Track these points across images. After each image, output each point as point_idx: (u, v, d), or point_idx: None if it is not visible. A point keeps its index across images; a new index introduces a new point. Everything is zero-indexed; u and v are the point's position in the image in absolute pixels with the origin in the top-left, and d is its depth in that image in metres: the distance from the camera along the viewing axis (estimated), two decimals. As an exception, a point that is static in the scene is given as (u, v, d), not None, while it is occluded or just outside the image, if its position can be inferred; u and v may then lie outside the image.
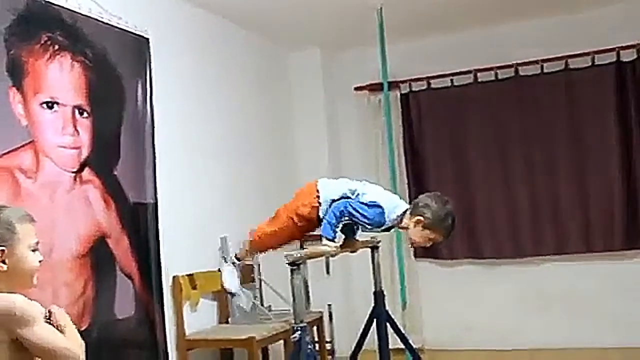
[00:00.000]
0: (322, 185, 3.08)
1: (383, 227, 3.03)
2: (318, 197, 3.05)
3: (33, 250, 1.83)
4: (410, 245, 3.04)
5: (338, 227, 3.00)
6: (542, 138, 5.35)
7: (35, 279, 1.85)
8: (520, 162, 5.42)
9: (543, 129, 5.34)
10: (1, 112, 3.01)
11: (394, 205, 3.00)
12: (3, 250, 1.76)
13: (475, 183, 5.53)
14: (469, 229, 5.55)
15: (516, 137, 5.41)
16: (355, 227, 3.25)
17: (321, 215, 3.04)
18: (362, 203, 2.96)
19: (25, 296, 1.83)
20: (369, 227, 3.06)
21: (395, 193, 3.12)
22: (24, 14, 3.15)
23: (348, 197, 3.00)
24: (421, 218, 2.91)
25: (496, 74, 5.43)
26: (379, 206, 2.95)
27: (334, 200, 3.01)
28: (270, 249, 3.24)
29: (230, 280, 3.32)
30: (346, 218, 2.99)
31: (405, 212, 2.97)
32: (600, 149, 5.21)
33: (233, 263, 3.32)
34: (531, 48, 5.31)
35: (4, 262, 1.76)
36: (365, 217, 2.95)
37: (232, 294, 3.45)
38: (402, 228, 3.04)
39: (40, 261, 1.86)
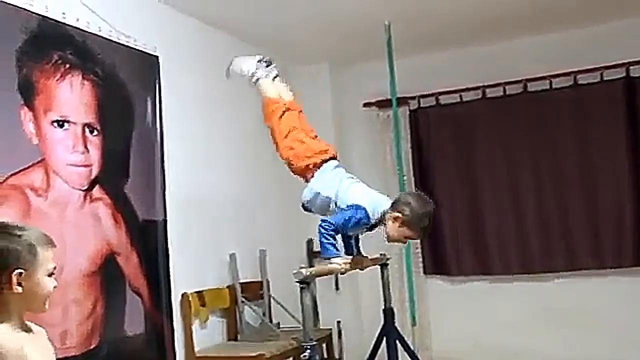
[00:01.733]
0: (319, 173, 3.14)
1: (370, 225, 3.06)
2: (314, 169, 3.14)
3: (49, 275, 1.83)
4: (386, 240, 3.07)
5: (337, 242, 3.02)
6: (551, 154, 5.33)
7: (47, 304, 1.84)
8: (529, 178, 5.40)
9: (552, 145, 5.32)
10: (12, 131, 3.04)
11: (377, 203, 3.03)
12: (21, 273, 1.75)
13: (484, 199, 5.51)
14: (478, 245, 5.52)
15: (525, 153, 5.39)
16: (351, 241, 3.27)
17: (302, 198, 3.16)
18: (343, 210, 3.00)
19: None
20: (359, 230, 3.10)
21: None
22: (36, 33, 3.18)
23: (328, 199, 3.06)
24: (400, 215, 2.95)
25: (505, 90, 5.43)
26: (360, 207, 2.98)
27: (319, 204, 3.11)
28: (265, 117, 3.37)
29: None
30: (338, 232, 3.01)
31: (388, 208, 3.01)
32: (609, 164, 5.18)
33: (252, 75, 3.42)
34: (540, 64, 5.31)
35: (20, 284, 1.75)
36: (350, 221, 2.98)
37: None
38: (384, 224, 3.06)
39: (54, 287, 1.85)
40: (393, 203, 3.00)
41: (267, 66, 3.41)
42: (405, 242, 3.14)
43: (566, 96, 5.26)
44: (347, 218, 2.97)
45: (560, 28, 5.21)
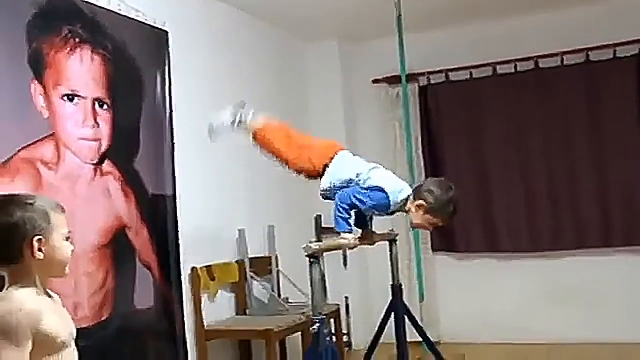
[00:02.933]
0: (337, 160, 3.12)
1: (389, 211, 3.06)
2: (327, 165, 3.10)
3: (66, 240, 1.86)
4: (411, 228, 3.08)
5: (351, 217, 3.02)
6: (562, 131, 5.31)
7: (67, 269, 1.88)
8: (539, 155, 5.38)
9: (563, 122, 5.30)
10: (23, 105, 3.05)
11: (399, 189, 3.02)
12: (41, 240, 1.78)
13: (493, 176, 5.51)
14: (487, 222, 5.53)
15: (535, 130, 5.37)
16: (366, 217, 3.27)
17: (321, 187, 3.12)
18: (364, 189, 2.99)
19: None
20: (376, 212, 3.09)
21: (411, 185, 3.13)
22: (46, 7, 3.18)
23: (351, 181, 3.03)
24: (423, 203, 2.94)
25: (516, 67, 5.39)
26: (382, 190, 2.97)
27: (339, 187, 3.05)
28: (263, 148, 3.31)
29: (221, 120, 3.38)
30: (354, 208, 3.01)
31: (409, 196, 3.00)
32: (621, 142, 5.15)
33: (233, 122, 3.35)
34: (551, 40, 5.27)
35: (40, 250, 1.78)
36: (369, 202, 2.97)
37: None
38: (407, 212, 3.05)
39: (72, 251, 1.89)
40: (415, 191, 2.99)
41: (242, 107, 3.36)
42: (430, 229, 3.13)
43: (578, 73, 5.23)
44: (368, 199, 2.95)
45: (572, 4, 5.16)
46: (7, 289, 1.79)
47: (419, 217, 2.98)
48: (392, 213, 3.10)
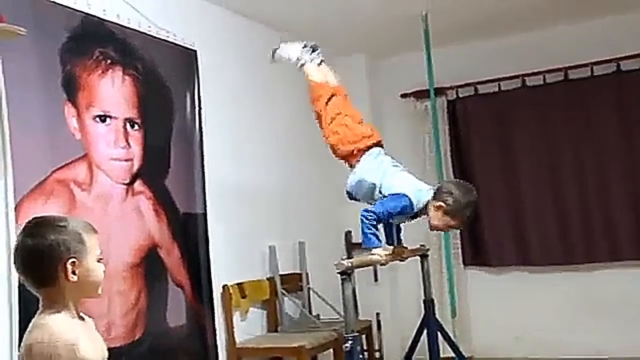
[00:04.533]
0: (366, 160, 3.14)
1: (413, 213, 3.07)
2: (352, 152, 3.15)
3: (98, 261, 1.87)
4: (430, 229, 3.08)
5: (379, 231, 3.02)
6: (592, 142, 5.24)
7: (100, 289, 1.89)
8: (570, 167, 5.31)
9: (593, 133, 5.23)
10: (57, 127, 3.10)
11: (421, 192, 3.03)
12: (74, 262, 1.80)
13: (524, 189, 5.45)
14: (518, 236, 5.47)
15: (566, 142, 5.31)
16: (393, 233, 3.27)
17: (347, 185, 3.17)
18: (387, 198, 3.00)
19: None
20: (403, 218, 3.11)
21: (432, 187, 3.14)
22: (78, 30, 3.24)
23: (374, 186, 3.07)
24: (442, 204, 2.94)
25: (544, 78, 5.34)
26: (405, 195, 2.98)
27: (363, 190, 3.11)
28: (310, 99, 3.38)
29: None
30: (381, 221, 3.01)
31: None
32: (653, 152, 5.08)
33: (297, 60, 3.44)
34: (581, 51, 5.21)
35: (74, 273, 1.80)
36: (396, 209, 2.98)
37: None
38: (427, 213, 3.05)
39: (104, 271, 1.90)
40: (435, 192, 2.99)
41: (312, 52, 3.42)
42: (448, 230, 3.15)
43: (608, 83, 5.16)
44: (391, 208, 2.96)
45: (601, 14, 5.11)
46: (40, 314, 1.80)
47: (438, 218, 2.99)
48: (417, 216, 3.10)
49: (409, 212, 3.02)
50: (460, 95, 5.62)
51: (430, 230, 3.13)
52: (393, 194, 3.00)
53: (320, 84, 3.34)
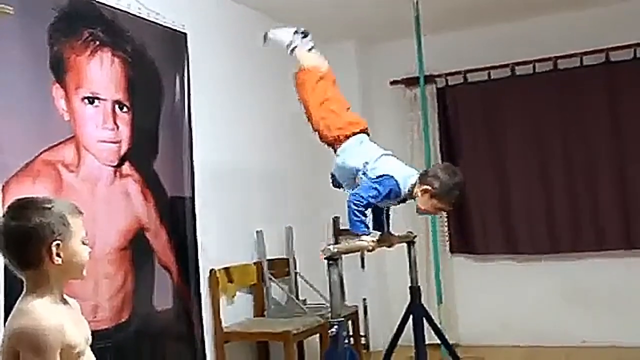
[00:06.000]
0: (351, 143, 3.15)
1: (401, 198, 3.07)
2: (339, 138, 3.15)
3: (83, 243, 1.86)
4: (417, 213, 3.09)
5: (367, 218, 3.02)
6: (581, 132, 5.26)
7: (85, 271, 1.88)
8: (558, 156, 5.34)
9: (582, 123, 5.25)
10: (45, 108, 3.08)
11: (408, 175, 3.04)
12: (59, 245, 1.79)
13: (512, 178, 5.47)
14: (505, 224, 5.50)
15: (554, 131, 5.33)
16: (383, 219, 3.28)
17: (333, 169, 3.18)
18: (373, 180, 3.00)
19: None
20: (390, 202, 3.11)
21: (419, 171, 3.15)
22: (67, 10, 3.21)
23: (358, 170, 3.08)
24: (429, 187, 2.95)
25: (534, 67, 5.35)
26: (391, 177, 2.99)
27: (346, 174, 3.14)
28: (297, 88, 3.38)
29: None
30: (369, 206, 3.02)
31: (417, 181, 3.02)
32: (640, 142, 5.11)
33: (288, 45, 3.45)
34: (570, 41, 5.22)
35: (59, 255, 1.79)
36: (383, 192, 2.98)
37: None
38: (414, 197, 3.06)
39: (89, 253, 1.89)
40: (421, 175, 3.00)
41: (303, 37, 3.42)
42: (436, 214, 3.15)
43: (598, 73, 5.18)
44: (378, 190, 2.96)
45: (591, 4, 5.12)
46: (24, 297, 1.79)
47: (425, 202, 2.99)
48: (404, 200, 3.11)
49: (397, 195, 3.02)
50: (450, 83, 5.62)
51: (418, 214, 3.14)
52: (379, 176, 3.00)
53: (307, 68, 3.34)
